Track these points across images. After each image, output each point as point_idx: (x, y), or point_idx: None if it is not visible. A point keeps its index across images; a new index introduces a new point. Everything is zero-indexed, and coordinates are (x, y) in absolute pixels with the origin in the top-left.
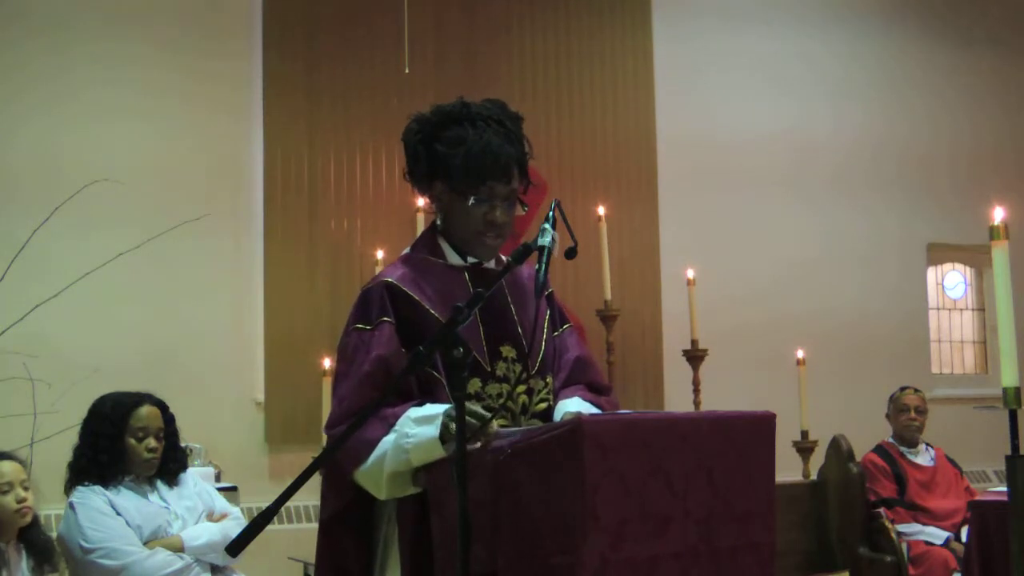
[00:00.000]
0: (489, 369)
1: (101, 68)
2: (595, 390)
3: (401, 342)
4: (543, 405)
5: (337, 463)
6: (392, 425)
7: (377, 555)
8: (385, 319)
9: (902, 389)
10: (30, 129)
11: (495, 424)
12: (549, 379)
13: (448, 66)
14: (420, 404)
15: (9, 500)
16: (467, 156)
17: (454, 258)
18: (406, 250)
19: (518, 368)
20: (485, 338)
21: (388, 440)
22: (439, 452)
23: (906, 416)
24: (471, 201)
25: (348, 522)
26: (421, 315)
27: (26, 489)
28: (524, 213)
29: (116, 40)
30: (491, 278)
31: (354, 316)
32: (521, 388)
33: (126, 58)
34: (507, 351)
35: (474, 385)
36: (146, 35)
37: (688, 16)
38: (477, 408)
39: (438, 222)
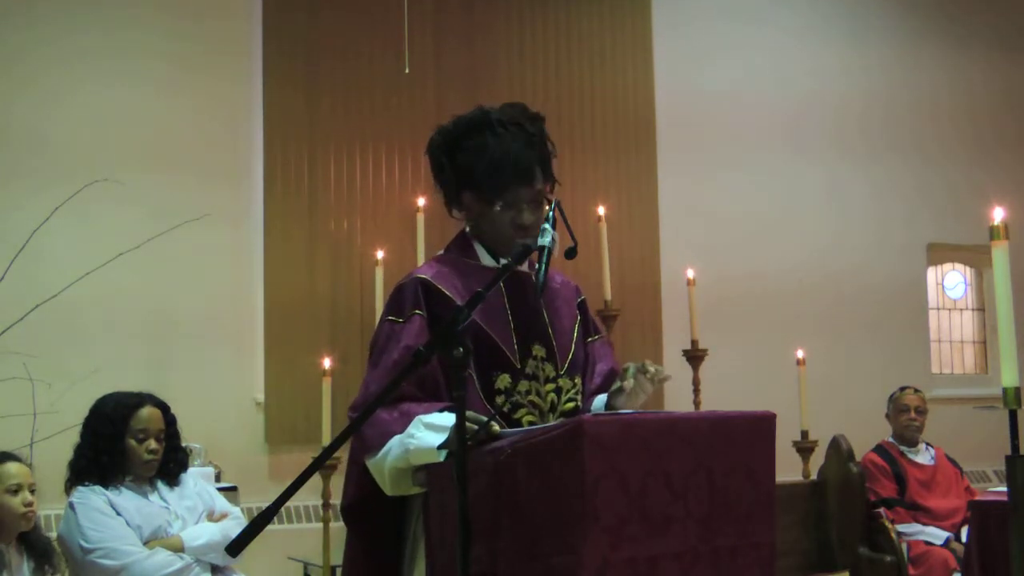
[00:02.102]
0: (519, 366)
1: (100, 66)
2: None
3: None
4: (571, 404)
5: (354, 450)
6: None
7: (407, 550)
8: (417, 312)
9: (902, 389)
10: (29, 128)
11: (495, 425)
12: (578, 380)
13: (448, 66)
14: (443, 409)
15: (16, 502)
16: (489, 164)
17: (487, 259)
18: (440, 251)
19: (548, 367)
20: (516, 337)
21: (398, 437)
22: (436, 459)
23: (906, 416)
24: (497, 207)
25: (366, 514)
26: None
27: (32, 492)
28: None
29: (115, 37)
30: (522, 279)
31: (387, 309)
32: (550, 387)
33: (125, 55)
34: (537, 350)
35: (503, 381)
36: (145, 33)
37: (689, 9)
38: (476, 414)
39: (467, 229)
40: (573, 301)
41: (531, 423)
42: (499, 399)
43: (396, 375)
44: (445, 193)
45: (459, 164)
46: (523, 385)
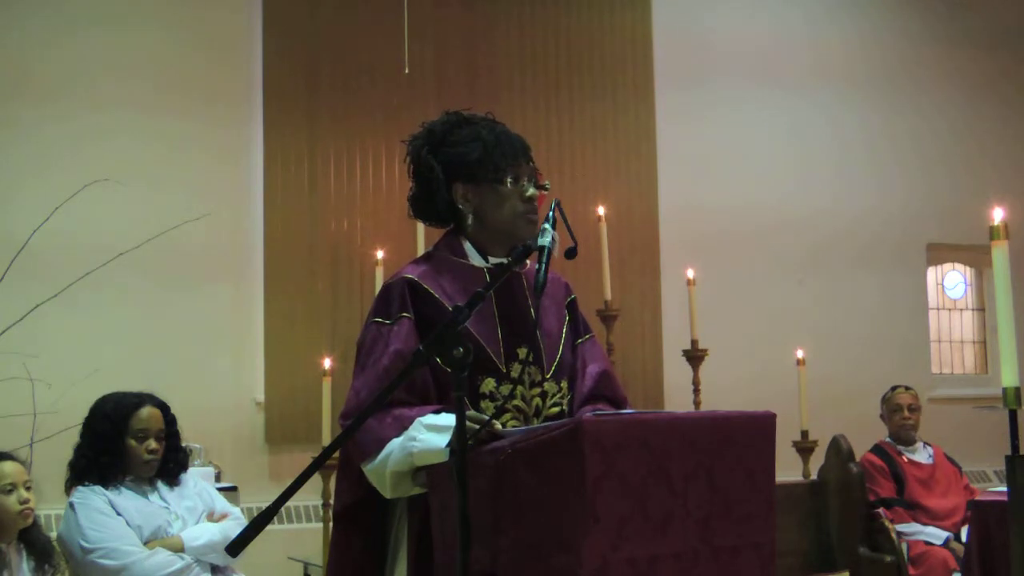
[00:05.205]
0: (504, 370)
1: (100, 65)
2: (615, 405)
3: (419, 338)
4: (556, 409)
5: (349, 456)
6: (406, 427)
7: (388, 552)
8: (404, 314)
9: (893, 389)
10: (29, 128)
11: (497, 424)
12: (564, 384)
13: (448, 66)
14: (437, 411)
15: (12, 501)
16: (485, 147)
17: (476, 259)
18: (428, 249)
19: (533, 370)
20: (502, 338)
21: (396, 441)
22: (442, 459)
23: (900, 416)
24: (508, 182)
25: (358, 518)
26: (440, 312)
27: (28, 489)
28: (547, 191)
29: (114, 34)
30: (511, 279)
31: (374, 310)
32: (535, 390)
33: (123, 53)
34: (523, 353)
35: (488, 384)
36: (147, 37)
37: (690, 11)
38: (476, 413)
39: (469, 222)
40: (562, 300)
41: (515, 428)
42: (484, 403)
43: (393, 379)
44: (428, 197)
45: (450, 157)
46: (506, 388)
